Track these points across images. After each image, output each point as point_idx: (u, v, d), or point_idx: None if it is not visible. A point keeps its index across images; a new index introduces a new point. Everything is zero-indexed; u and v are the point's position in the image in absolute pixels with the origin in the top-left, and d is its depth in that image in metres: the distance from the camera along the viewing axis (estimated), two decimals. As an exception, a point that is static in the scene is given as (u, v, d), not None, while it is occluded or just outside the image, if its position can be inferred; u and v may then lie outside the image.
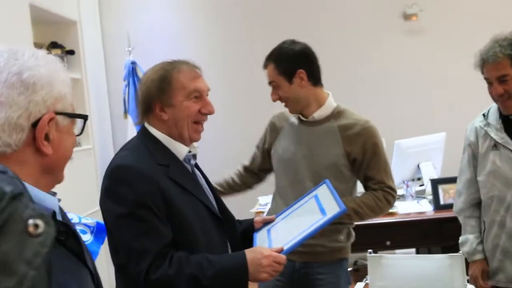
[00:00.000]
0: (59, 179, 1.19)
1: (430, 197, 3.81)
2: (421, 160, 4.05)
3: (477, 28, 5.18)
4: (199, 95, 1.93)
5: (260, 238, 2.10)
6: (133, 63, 5.00)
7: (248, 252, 1.84)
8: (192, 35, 5.48)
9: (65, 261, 1.11)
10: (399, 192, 4.07)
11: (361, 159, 2.46)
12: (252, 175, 2.84)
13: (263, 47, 5.45)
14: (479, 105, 2.67)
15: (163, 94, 1.88)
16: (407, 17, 5.33)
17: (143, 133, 1.95)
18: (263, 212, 3.76)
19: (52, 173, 1.15)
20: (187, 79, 1.92)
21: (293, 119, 2.61)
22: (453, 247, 2.98)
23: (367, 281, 3.03)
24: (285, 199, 2.53)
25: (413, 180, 4.10)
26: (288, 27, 5.37)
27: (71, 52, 4.67)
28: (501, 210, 2.45)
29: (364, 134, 2.46)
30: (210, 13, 5.49)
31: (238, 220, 2.17)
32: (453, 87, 5.23)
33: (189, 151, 1.96)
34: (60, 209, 1.21)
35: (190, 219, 1.83)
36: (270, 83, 2.51)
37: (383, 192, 2.48)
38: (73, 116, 1.17)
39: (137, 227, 1.74)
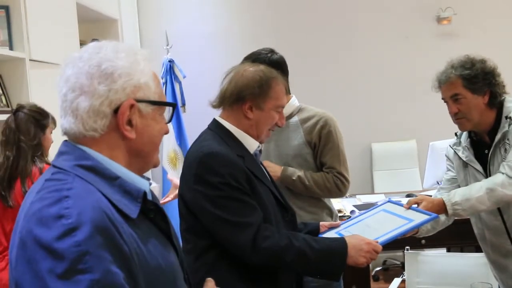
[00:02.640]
0: (152, 162, 1.30)
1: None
2: (455, 161, 4.08)
3: (509, 33, 5.22)
4: (281, 110, 2.10)
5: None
6: (171, 61, 5.09)
7: (349, 238, 2.00)
8: (227, 33, 5.58)
9: (154, 236, 1.23)
10: (434, 192, 4.13)
11: (317, 145, 2.66)
12: None
13: (293, 47, 5.57)
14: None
15: (258, 97, 2.02)
16: (440, 20, 5.37)
17: (216, 126, 2.08)
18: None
19: (140, 156, 1.26)
20: (281, 93, 2.09)
21: None
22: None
23: (404, 277, 3.09)
24: None
25: (445, 181, 4.14)
26: (320, 27, 5.45)
27: (111, 50, 4.77)
28: (478, 224, 2.58)
29: (321, 122, 2.67)
30: (245, 11, 5.60)
31: (302, 222, 2.32)
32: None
33: (258, 146, 2.10)
34: (151, 191, 1.32)
35: (268, 205, 1.98)
36: None
37: (333, 176, 2.66)
38: (156, 103, 1.26)
39: (236, 206, 1.89)
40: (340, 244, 1.96)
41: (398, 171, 5.45)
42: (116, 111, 1.18)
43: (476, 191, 2.29)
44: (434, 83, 2.50)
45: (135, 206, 1.17)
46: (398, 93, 5.45)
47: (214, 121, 2.11)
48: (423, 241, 3.46)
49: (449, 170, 2.67)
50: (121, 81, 1.18)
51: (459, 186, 2.55)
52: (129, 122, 1.20)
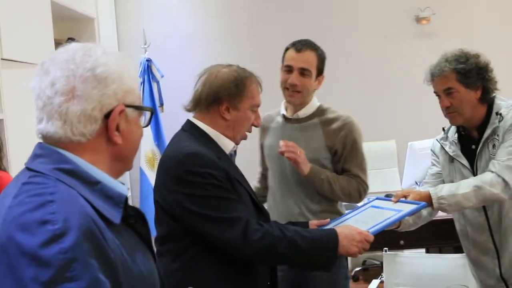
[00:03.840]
0: (129, 166, 1.29)
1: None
2: (433, 162, 4.09)
3: (489, 33, 5.25)
4: (256, 109, 2.11)
5: None
6: (148, 60, 5.05)
7: (340, 228, 2.02)
8: (206, 34, 5.54)
9: (135, 243, 1.21)
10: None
11: (340, 152, 2.60)
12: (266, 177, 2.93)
13: (275, 47, 5.54)
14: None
15: (234, 97, 2.02)
16: (419, 20, 5.38)
17: (191, 127, 2.07)
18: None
19: (122, 161, 1.25)
20: (256, 92, 2.09)
21: (279, 118, 2.74)
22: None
23: (382, 279, 3.08)
24: (274, 196, 2.70)
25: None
26: (299, 28, 5.42)
27: (88, 49, 4.71)
28: (461, 220, 2.58)
29: (345, 129, 2.61)
30: (224, 12, 5.55)
31: (291, 222, 2.32)
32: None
33: (233, 147, 2.10)
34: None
35: (247, 206, 1.99)
36: (302, 68, 2.56)
37: (357, 182, 2.61)
38: (141, 108, 1.26)
39: (222, 204, 1.89)
40: (332, 234, 1.97)
41: (377, 171, 5.43)
42: (106, 116, 1.16)
43: (464, 188, 2.28)
44: (426, 75, 2.47)
45: (117, 212, 1.14)
46: (377, 93, 5.45)
47: (189, 122, 2.10)
48: (401, 242, 3.47)
49: (434, 165, 2.67)
50: (114, 86, 1.17)
51: (443, 181, 2.54)
52: (117, 128, 1.18)
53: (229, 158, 2.09)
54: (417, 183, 4.04)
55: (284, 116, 2.70)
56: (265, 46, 5.30)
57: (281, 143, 2.49)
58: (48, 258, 0.96)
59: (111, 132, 1.17)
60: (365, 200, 2.65)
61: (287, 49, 2.65)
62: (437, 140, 2.65)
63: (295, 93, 2.59)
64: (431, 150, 2.70)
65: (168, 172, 1.94)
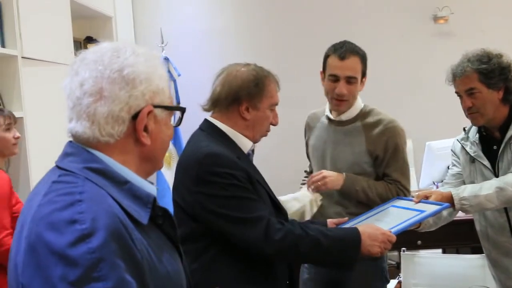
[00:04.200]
0: (158, 167, 1.29)
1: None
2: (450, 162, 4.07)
3: (507, 32, 5.20)
4: (274, 108, 2.10)
5: None
6: (166, 59, 5.05)
7: (363, 227, 2.00)
8: (222, 31, 5.53)
9: (162, 243, 1.21)
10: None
11: (382, 157, 2.55)
12: None
13: (290, 44, 5.53)
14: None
15: (254, 97, 2.02)
16: (437, 19, 5.34)
17: (209, 127, 2.06)
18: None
19: (151, 161, 1.24)
20: (274, 91, 2.09)
21: (323, 118, 2.70)
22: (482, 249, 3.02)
23: (400, 279, 3.07)
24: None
25: (442, 181, 4.12)
26: (314, 26, 5.41)
27: (106, 47, 4.74)
28: (482, 221, 2.54)
29: (387, 133, 2.55)
30: (240, 9, 5.55)
31: (309, 221, 2.35)
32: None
33: (252, 146, 2.10)
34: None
35: (267, 206, 1.98)
36: (349, 76, 2.51)
37: (397, 188, 2.55)
38: (170, 108, 1.26)
39: (243, 204, 1.89)
40: (354, 232, 1.96)
41: (394, 171, 5.42)
42: (134, 117, 1.16)
43: (486, 189, 2.26)
44: (448, 75, 2.45)
45: (145, 212, 1.15)
46: (394, 92, 5.41)
47: (206, 121, 2.09)
48: (419, 242, 3.45)
49: (454, 165, 2.65)
50: (141, 87, 1.17)
51: (464, 182, 2.52)
52: (145, 128, 1.18)
53: (248, 158, 2.09)
54: (434, 183, 4.03)
55: (328, 117, 2.67)
56: (281, 43, 5.31)
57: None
58: (76, 257, 0.97)
59: (139, 133, 1.17)
60: None
61: (328, 55, 2.58)
62: (457, 140, 2.62)
63: (342, 102, 2.55)
64: (452, 150, 2.68)
65: (188, 173, 1.94)
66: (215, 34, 5.52)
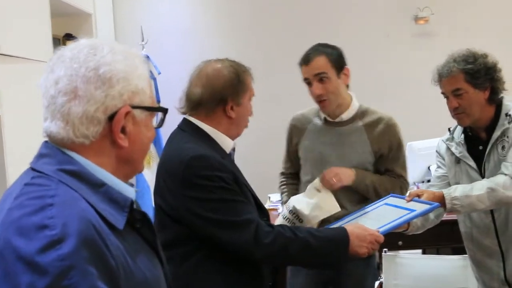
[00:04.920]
0: (138, 169, 1.24)
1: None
2: (432, 163, 4.08)
3: (488, 33, 5.23)
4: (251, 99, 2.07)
5: None
6: (146, 57, 4.99)
7: (351, 227, 1.98)
8: (204, 29, 5.50)
9: (140, 248, 1.16)
10: (410, 193, 4.12)
11: (386, 155, 2.58)
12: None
13: (273, 42, 5.50)
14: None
15: (238, 94, 1.98)
16: (418, 20, 5.35)
17: (188, 126, 2.02)
18: (276, 210, 3.80)
19: (129, 164, 1.19)
20: (251, 82, 2.05)
21: (316, 120, 2.67)
22: (463, 249, 3.03)
23: (381, 280, 3.07)
24: None
25: (423, 182, 4.14)
26: (298, 25, 5.40)
27: (85, 45, 4.68)
28: (467, 222, 2.55)
29: (390, 132, 2.59)
30: (222, 7, 5.51)
31: None
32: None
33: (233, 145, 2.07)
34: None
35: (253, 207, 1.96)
36: (318, 74, 2.51)
37: (400, 182, 2.62)
38: (151, 109, 1.21)
39: (232, 207, 1.85)
40: (343, 233, 1.94)
41: (374, 170, 5.43)
42: (110, 118, 1.11)
43: (478, 189, 2.26)
44: (434, 76, 2.45)
45: (121, 216, 1.10)
46: (374, 92, 5.40)
47: (187, 121, 2.04)
48: (400, 243, 3.45)
49: (439, 167, 2.64)
50: (119, 86, 1.12)
51: (449, 184, 2.52)
52: (123, 130, 1.13)
53: (230, 158, 2.06)
54: (415, 184, 4.04)
55: (325, 118, 2.65)
56: (265, 42, 5.29)
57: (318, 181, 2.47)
58: (45, 265, 0.92)
59: (116, 135, 1.13)
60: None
61: (300, 65, 2.60)
62: (442, 140, 2.62)
63: (324, 102, 2.55)
64: (436, 151, 2.68)
65: (172, 176, 1.89)
66: (196, 32, 5.48)
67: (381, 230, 2.04)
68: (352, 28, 5.42)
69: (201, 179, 1.83)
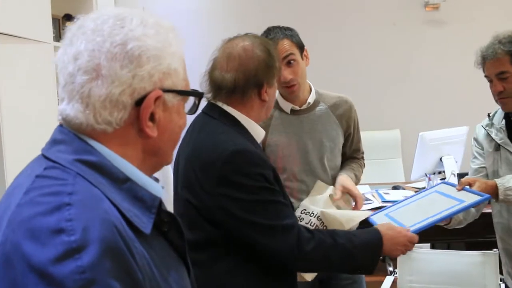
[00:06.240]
0: (167, 161, 1.08)
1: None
2: (443, 154, 3.97)
3: (500, 19, 5.11)
4: None
5: (379, 220, 2.17)
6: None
7: (385, 229, 1.86)
8: (208, 11, 5.40)
9: (167, 256, 1.01)
10: (421, 185, 4.03)
11: (352, 133, 2.53)
12: None
13: (280, 23, 5.37)
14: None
15: (272, 75, 1.82)
16: (428, 6, 5.24)
17: (220, 114, 1.81)
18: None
19: (157, 156, 1.03)
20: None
21: (276, 113, 2.47)
22: (477, 244, 2.93)
23: (396, 275, 2.98)
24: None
25: (434, 173, 4.02)
26: (303, 11, 5.28)
27: (86, 26, 4.56)
28: (504, 213, 2.43)
29: (352, 109, 2.53)
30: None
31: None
32: (474, 80, 5.14)
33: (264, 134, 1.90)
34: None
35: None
36: (285, 57, 2.33)
37: (361, 159, 2.64)
38: (184, 93, 1.04)
39: (274, 209, 1.69)
40: (377, 237, 1.83)
41: (380, 161, 5.31)
42: (138, 102, 0.95)
43: None
44: (477, 58, 2.34)
45: (148, 218, 0.95)
46: (383, 81, 5.32)
47: (216, 107, 1.82)
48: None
49: (475, 157, 2.52)
50: (148, 66, 0.96)
51: (487, 176, 2.42)
52: (151, 117, 0.97)
53: (262, 150, 1.91)
54: (427, 175, 3.92)
55: (291, 109, 2.46)
56: (271, 22, 5.15)
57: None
58: (61, 277, 0.77)
59: (143, 123, 0.96)
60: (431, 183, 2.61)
61: None
62: (482, 126, 2.51)
63: (293, 87, 2.37)
64: (474, 138, 2.57)
65: (208, 171, 1.68)
66: (201, 13, 5.39)
67: (417, 227, 1.97)
68: (360, 14, 5.32)
69: (242, 176, 1.65)
